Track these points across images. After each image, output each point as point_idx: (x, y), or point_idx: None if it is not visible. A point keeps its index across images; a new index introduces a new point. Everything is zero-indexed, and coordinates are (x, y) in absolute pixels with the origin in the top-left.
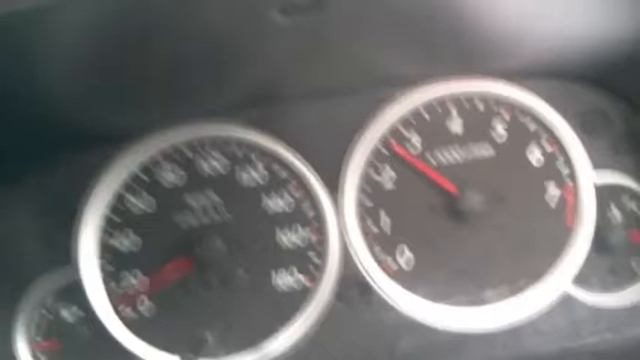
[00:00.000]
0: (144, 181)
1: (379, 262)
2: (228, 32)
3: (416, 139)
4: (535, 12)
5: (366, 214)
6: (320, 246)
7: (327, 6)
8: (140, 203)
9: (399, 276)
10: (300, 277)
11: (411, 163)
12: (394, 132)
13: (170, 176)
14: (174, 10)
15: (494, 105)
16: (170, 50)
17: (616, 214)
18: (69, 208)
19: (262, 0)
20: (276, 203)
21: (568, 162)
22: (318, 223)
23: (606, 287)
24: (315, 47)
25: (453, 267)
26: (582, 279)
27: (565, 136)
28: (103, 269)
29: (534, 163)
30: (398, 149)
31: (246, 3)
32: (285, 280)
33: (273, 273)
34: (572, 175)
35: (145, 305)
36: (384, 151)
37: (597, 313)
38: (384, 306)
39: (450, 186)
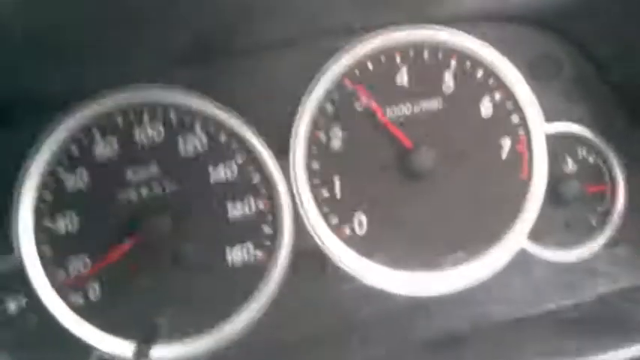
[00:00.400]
0: (76, 154)
1: (332, 228)
2: None
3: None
4: None
5: (316, 177)
6: (270, 215)
7: None
8: (73, 179)
9: (353, 241)
10: (256, 252)
11: (374, 110)
12: (340, 87)
13: (104, 148)
14: None
15: (441, 53)
16: (98, 8)
17: (571, 165)
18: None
19: None
20: (221, 172)
21: (518, 110)
22: (266, 190)
23: (564, 243)
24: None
25: (409, 231)
26: (539, 235)
27: (514, 83)
28: (42, 253)
29: (485, 113)
30: (362, 94)
31: None
32: (240, 256)
33: (227, 249)
34: (524, 125)
35: (92, 289)
36: (330, 107)
37: (555, 268)
38: (341, 275)
39: (405, 140)
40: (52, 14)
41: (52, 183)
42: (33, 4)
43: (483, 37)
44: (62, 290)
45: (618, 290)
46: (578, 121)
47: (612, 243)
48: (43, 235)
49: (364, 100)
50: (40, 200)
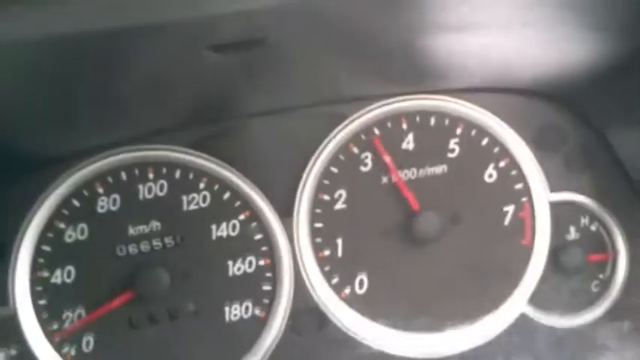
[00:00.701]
0: (76, 207)
1: (333, 287)
2: (164, 66)
3: (367, 157)
4: (488, 34)
5: (318, 236)
6: (270, 272)
7: (266, 42)
8: (73, 233)
9: (353, 301)
10: (255, 310)
11: (388, 167)
12: (346, 151)
13: (106, 203)
14: (108, 51)
15: (448, 121)
16: (107, 81)
17: (573, 233)
18: None
19: (191, 41)
20: (222, 228)
21: (522, 178)
22: (267, 248)
23: (565, 310)
24: (259, 72)
25: (410, 294)
26: (540, 301)
27: (518, 151)
28: (37, 304)
29: (488, 179)
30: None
31: (176, 44)
32: (238, 314)
33: (226, 307)
34: (527, 192)
35: (86, 341)
36: (335, 170)
37: (556, 335)
38: (340, 334)
39: (413, 202)
40: (58, 78)
41: (51, 236)
42: (41, 67)
43: (489, 106)
44: (55, 342)
45: None
46: (581, 190)
47: (614, 315)
48: (39, 286)
49: (381, 154)
50: (38, 252)
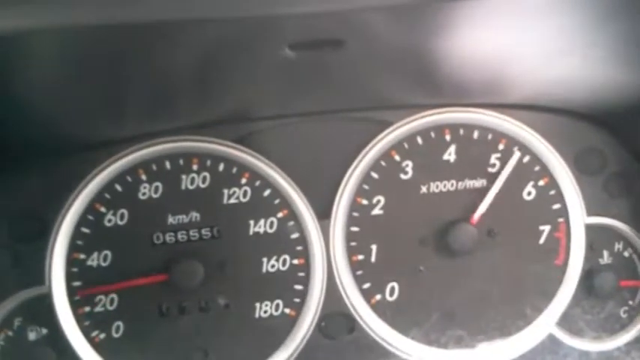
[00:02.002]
0: (118, 192)
1: (364, 293)
2: (227, 60)
3: (408, 165)
4: (537, 53)
5: (354, 240)
6: (303, 271)
7: (343, 46)
8: (113, 217)
9: (383, 308)
10: (285, 309)
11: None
12: (387, 157)
13: (149, 191)
14: (163, 42)
15: (491, 135)
16: (158, 72)
17: (607, 258)
18: (40, 221)
19: (274, 37)
20: (260, 224)
21: (560, 198)
22: (302, 247)
23: (594, 333)
24: (316, 74)
25: (440, 306)
26: (569, 323)
27: (559, 172)
28: (70, 284)
29: (526, 197)
30: None
31: (254, 39)
32: (269, 311)
33: (257, 304)
34: (564, 212)
35: (116, 327)
36: (376, 176)
37: (581, 357)
38: (368, 340)
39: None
40: (110, 65)
41: (91, 218)
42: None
43: (533, 124)
44: (85, 325)
45: None
46: (617, 215)
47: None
48: (75, 267)
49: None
50: (77, 234)
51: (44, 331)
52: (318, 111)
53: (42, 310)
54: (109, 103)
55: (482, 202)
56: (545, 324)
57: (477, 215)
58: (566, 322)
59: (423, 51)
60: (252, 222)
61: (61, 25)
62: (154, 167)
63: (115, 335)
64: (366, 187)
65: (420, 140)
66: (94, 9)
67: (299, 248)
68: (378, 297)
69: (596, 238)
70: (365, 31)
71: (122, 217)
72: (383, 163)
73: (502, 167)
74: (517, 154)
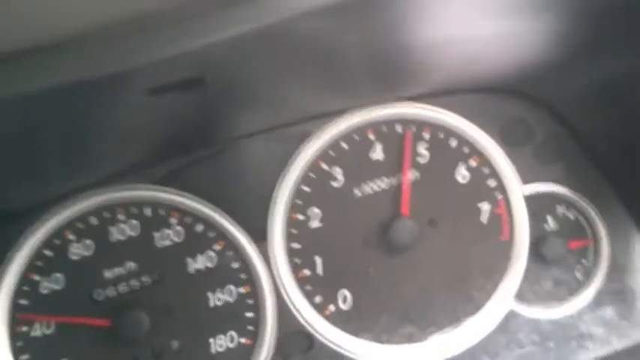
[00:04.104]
0: (49, 257)
1: (316, 307)
2: (115, 113)
3: (338, 172)
4: (443, 38)
5: (296, 257)
6: (252, 299)
7: (205, 83)
8: (48, 283)
9: (338, 318)
10: (241, 339)
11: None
12: (315, 168)
13: (77, 248)
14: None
15: (412, 127)
16: (64, 132)
17: (552, 224)
18: None
19: (126, 88)
20: (199, 260)
21: (494, 175)
22: (246, 275)
23: (552, 301)
24: (217, 105)
25: (394, 305)
26: (526, 295)
27: (488, 149)
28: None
29: (461, 180)
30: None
31: (111, 92)
32: (224, 345)
33: (210, 339)
34: (501, 188)
35: None
36: (307, 189)
37: (543, 329)
38: (328, 353)
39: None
40: (14, 134)
41: (27, 289)
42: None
43: (454, 108)
44: None
45: (611, 356)
46: (554, 180)
47: (599, 303)
48: (19, 342)
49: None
50: (15, 308)
51: None
52: (235, 137)
53: None
54: (18, 170)
55: (403, 192)
56: (502, 302)
57: (403, 206)
58: (522, 295)
59: (327, 57)
60: (190, 260)
61: None
62: (80, 225)
63: None
64: (299, 201)
65: (344, 145)
66: None
67: (243, 276)
68: (332, 308)
69: (538, 206)
70: (236, 58)
71: (57, 281)
72: (312, 175)
73: (431, 155)
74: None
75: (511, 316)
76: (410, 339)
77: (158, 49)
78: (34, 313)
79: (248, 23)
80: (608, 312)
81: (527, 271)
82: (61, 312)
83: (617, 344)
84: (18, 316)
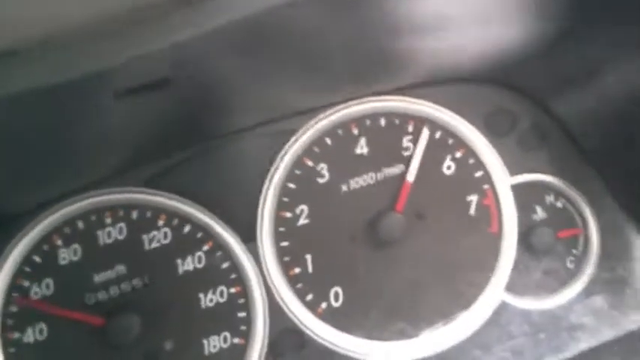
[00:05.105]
0: (38, 263)
1: (307, 305)
2: (92, 116)
3: (323, 168)
4: (425, 28)
5: (286, 255)
6: (243, 298)
7: (169, 85)
8: (38, 289)
9: (329, 316)
10: (233, 339)
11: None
12: (300, 165)
13: (66, 253)
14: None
15: (398, 120)
16: (44, 138)
17: (540, 213)
18: None
19: (100, 89)
20: (188, 261)
21: (480, 165)
22: (236, 275)
23: (543, 291)
24: (198, 104)
25: (385, 300)
26: (517, 287)
27: (472, 139)
28: None
29: (447, 171)
30: None
31: (85, 95)
32: (217, 346)
33: (203, 340)
34: (488, 178)
35: None
36: (293, 186)
37: (535, 319)
38: (320, 350)
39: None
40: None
41: (17, 295)
42: None
43: (436, 99)
44: None
45: (601, 345)
46: (540, 169)
47: (590, 292)
48: (12, 348)
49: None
50: (5, 314)
51: None
52: (219, 136)
53: None
54: (6, 178)
55: (403, 189)
56: (494, 294)
57: (399, 203)
58: (513, 287)
59: (307, 51)
60: (179, 261)
61: None
62: (67, 230)
63: None
64: (285, 199)
65: (328, 141)
66: None
67: (233, 276)
68: (324, 305)
69: (526, 196)
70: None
71: (48, 286)
72: (298, 172)
73: (416, 148)
74: (427, 132)
75: (502, 307)
76: (402, 335)
77: (130, 48)
78: (26, 320)
79: (225, 15)
80: (599, 301)
81: (517, 261)
82: (53, 318)
83: (608, 333)
84: (9, 323)
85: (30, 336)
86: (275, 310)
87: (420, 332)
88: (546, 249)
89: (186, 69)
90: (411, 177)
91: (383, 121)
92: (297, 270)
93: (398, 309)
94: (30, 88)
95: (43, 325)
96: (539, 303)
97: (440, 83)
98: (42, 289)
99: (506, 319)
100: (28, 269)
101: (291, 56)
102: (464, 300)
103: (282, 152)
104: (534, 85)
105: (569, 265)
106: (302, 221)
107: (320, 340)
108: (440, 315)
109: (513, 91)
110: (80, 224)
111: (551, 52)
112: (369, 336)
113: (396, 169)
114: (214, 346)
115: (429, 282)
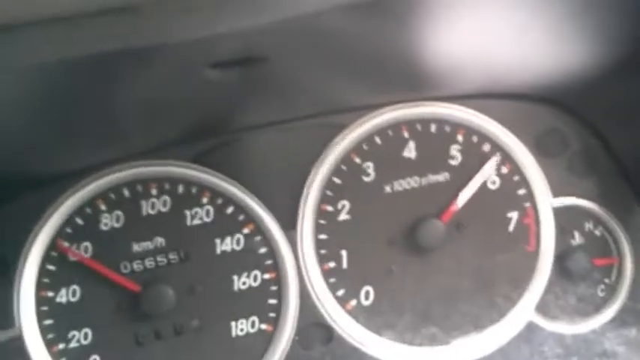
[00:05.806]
0: (79, 225)
1: (338, 300)
2: (163, 86)
3: (370, 167)
4: (486, 40)
5: (323, 248)
6: (276, 286)
7: (264, 59)
8: (75, 249)
9: (359, 313)
10: (261, 325)
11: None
12: (347, 161)
13: (110, 220)
14: (107, 74)
15: (448, 127)
16: (105, 102)
17: (578, 239)
18: (2, 263)
19: (191, 60)
20: (226, 242)
21: (525, 183)
22: (272, 262)
23: (573, 316)
24: (259, 87)
25: (416, 306)
26: (547, 308)
27: (520, 157)
28: (43, 324)
29: (491, 185)
30: None
31: (175, 65)
32: (245, 329)
33: (232, 322)
34: (530, 197)
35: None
36: (338, 181)
37: (564, 342)
38: (347, 347)
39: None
40: (56, 100)
41: (55, 255)
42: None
43: (490, 112)
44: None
45: None
46: (584, 194)
47: (622, 321)
48: (44, 306)
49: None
50: (42, 272)
51: None
52: (272, 122)
53: (14, 353)
54: (59, 137)
55: (458, 198)
56: (524, 312)
57: (448, 213)
58: (543, 308)
59: (370, 50)
60: (218, 241)
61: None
62: (113, 196)
63: None
64: (329, 193)
65: (378, 140)
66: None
67: (269, 262)
68: (354, 302)
69: (566, 219)
70: (284, 44)
71: (86, 250)
72: (344, 168)
73: (463, 158)
74: (495, 160)
75: (535, 328)
76: (433, 341)
77: (201, 27)
78: (61, 280)
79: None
80: (633, 331)
81: (552, 284)
82: (88, 282)
83: None
84: (44, 281)
85: (63, 296)
86: (306, 300)
87: (451, 340)
88: (583, 274)
89: (266, 50)
90: (467, 193)
91: (434, 127)
92: (331, 264)
93: (431, 314)
94: (102, 50)
95: (77, 287)
96: (573, 327)
97: (496, 97)
98: (80, 252)
99: (540, 340)
100: (69, 230)
101: (348, 56)
102: (496, 313)
103: (331, 146)
104: (591, 110)
105: (601, 294)
106: (342, 217)
107: (346, 337)
108: (472, 324)
109: (569, 113)
110: (126, 192)
111: (615, 79)
112: (401, 339)
113: (440, 177)
114: (242, 330)
115: (463, 291)
